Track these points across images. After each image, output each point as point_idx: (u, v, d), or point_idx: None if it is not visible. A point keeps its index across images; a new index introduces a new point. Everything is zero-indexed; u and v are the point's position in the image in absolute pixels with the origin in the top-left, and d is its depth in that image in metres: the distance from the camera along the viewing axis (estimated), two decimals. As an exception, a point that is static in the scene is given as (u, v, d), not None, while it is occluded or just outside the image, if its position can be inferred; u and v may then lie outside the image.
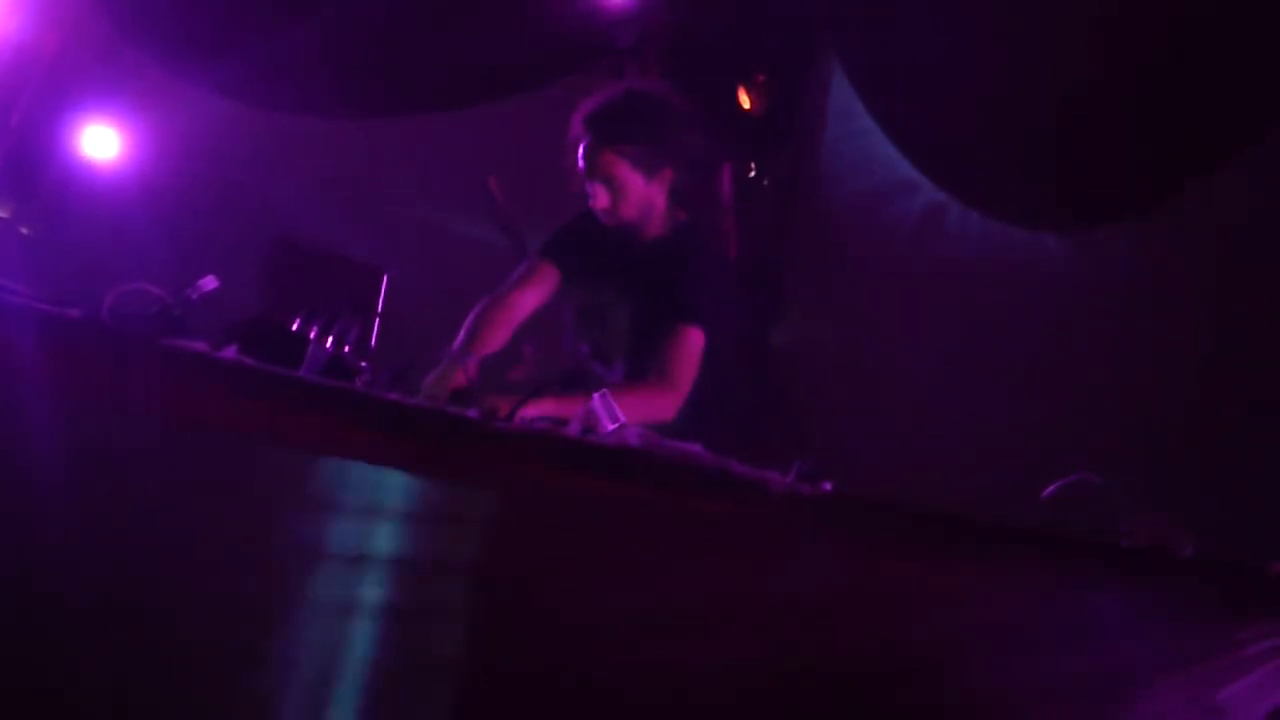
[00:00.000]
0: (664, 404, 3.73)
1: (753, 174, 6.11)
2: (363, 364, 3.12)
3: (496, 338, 4.04)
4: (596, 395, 2.79)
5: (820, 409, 6.01)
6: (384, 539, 2.66)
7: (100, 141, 6.20)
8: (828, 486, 2.64)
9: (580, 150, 3.98)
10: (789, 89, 6.04)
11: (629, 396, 3.66)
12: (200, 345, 2.68)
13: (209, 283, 3.05)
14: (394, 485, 2.65)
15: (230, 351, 2.68)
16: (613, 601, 2.59)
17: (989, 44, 5.34)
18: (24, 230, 5.99)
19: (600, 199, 3.96)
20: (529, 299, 4.13)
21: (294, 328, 3.14)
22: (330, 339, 3.11)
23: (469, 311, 4.08)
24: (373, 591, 2.65)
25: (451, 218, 6.18)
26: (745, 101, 6.01)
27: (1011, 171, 5.39)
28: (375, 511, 2.66)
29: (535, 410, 3.31)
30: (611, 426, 2.73)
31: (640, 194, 3.96)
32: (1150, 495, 2.87)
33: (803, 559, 2.56)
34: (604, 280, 4.06)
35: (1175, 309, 5.28)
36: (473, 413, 2.65)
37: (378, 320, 3.48)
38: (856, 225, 6.05)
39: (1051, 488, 2.83)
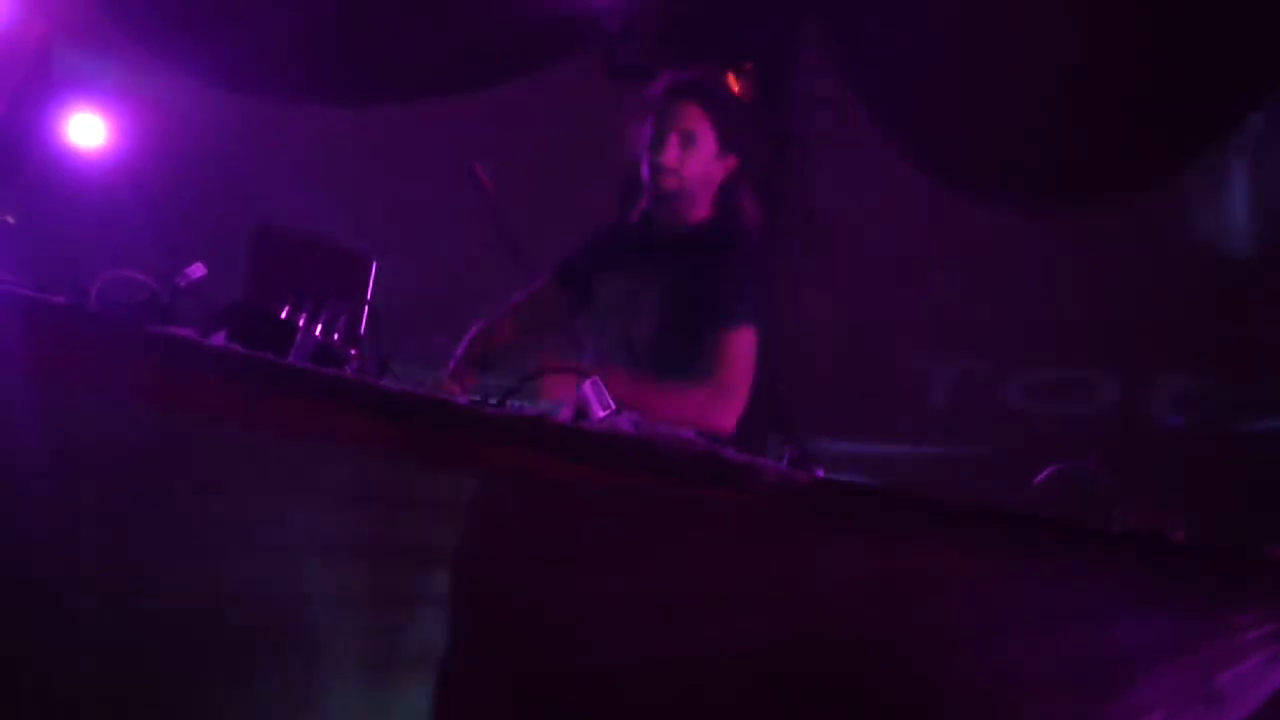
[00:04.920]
0: (723, 411, 3.60)
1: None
2: (352, 351, 3.10)
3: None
4: (588, 382, 2.77)
5: (805, 392, 6.00)
6: (371, 527, 2.65)
7: (87, 129, 6.17)
8: (820, 473, 2.64)
9: (657, 105, 3.87)
10: (775, 74, 6.03)
11: (684, 398, 3.56)
12: (188, 332, 2.68)
13: (197, 270, 3.04)
14: (379, 474, 2.64)
15: (219, 339, 2.67)
16: (601, 592, 2.58)
17: (976, 27, 5.33)
18: (9, 219, 5.97)
19: (670, 153, 3.81)
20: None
21: (282, 315, 3.12)
22: (319, 326, 3.09)
23: (459, 305, 4.00)
24: (357, 581, 2.63)
25: (439, 205, 6.16)
26: (734, 87, 6.00)
27: (1004, 155, 5.38)
28: (360, 499, 2.65)
29: None
30: (603, 413, 2.71)
31: (708, 160, 3.85)
32: (1145, 481, 2.87)
33: (796, 545, 2.55)
34: (639, 267, 3.90)
35: (1172, 289, 5.28)
36: (463, 399, 2.64)
37: (366, 307, 3.46)
38: (842, 207, 6.04)
39: (1044, 473, 2.81)
